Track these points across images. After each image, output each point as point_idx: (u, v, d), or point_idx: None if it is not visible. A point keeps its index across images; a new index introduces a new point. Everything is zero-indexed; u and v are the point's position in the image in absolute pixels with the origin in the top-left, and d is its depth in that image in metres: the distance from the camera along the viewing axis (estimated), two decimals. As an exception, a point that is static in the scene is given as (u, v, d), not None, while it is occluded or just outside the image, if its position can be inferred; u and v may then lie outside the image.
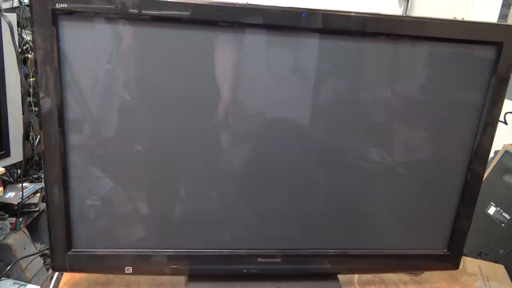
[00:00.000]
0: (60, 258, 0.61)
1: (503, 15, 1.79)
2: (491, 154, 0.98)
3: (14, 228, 1.48)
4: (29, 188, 1.59)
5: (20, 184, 1.50)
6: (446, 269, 0.74)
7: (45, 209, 0.59)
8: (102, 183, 0.59)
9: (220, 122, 0.59)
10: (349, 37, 0.57)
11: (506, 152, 1.14)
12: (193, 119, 0.58)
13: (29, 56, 1.62)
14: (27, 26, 1.65)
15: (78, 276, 0.69)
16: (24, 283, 1.41)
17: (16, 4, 1.60)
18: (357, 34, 0.57)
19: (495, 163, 1.15)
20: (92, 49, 0.53)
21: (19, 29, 1.58)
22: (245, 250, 0.65)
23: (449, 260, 0.71)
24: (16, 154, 1.49)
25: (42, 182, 1.63)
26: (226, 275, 0.67)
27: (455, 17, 1.95)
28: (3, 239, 1.42)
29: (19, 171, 1.63)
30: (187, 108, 0.58)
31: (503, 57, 0.59)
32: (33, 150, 1.69)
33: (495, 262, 0.95)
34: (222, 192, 0.63)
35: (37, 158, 1.73)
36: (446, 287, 0.77)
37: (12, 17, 1.42)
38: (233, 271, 0.66)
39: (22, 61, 1.54)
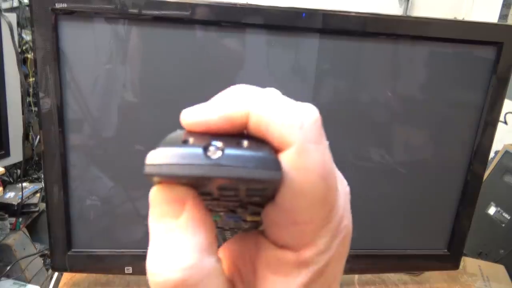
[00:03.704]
0: (60, 258, 0.61)
1: (503, 15, 1.79)
2: (492, 154, 0.98)
3: (14, 228, 1.48)
4: (29, 188, 1.59)
5: (20, 184, 1.50)
6: (446, 269, 0.74)
7: (45, 209, 0.59)
8: (102, 183, 0.59)
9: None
10: (349, 37, 0.57)
11: (507, 152, 1.14)
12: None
13: (29, 56, 1.63)
14: (27, 26, 1.65)
15: (78, 276, 0.69)
16: (24, 283, 1.41)
17: (16, 4, 1.60)
18: (357, 34, 0.57)
19: (495, 163, 1.15)
20: (92, 49, 0.53)
21: (19, 29, 1.58)
22: (245, 250, 0.65)
23: (449, 260, 0.71)
24: (16, 154, 1.49)
25: (42, 182, 1.63)
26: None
27: (455, 17, 1.95)
28: (3, 239, 1.42)
29: (18, 171, 1.63)
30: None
31: (503, 57, 0.59)
32: (32, 150, 1.69)
33: (495, 262, 0.95)
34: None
35: (36, 158, 1.73)
36: (446, 287, 0.77)
37: (12, 17, 1.42)
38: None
39: (22, 61, 1.54)
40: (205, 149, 0.16)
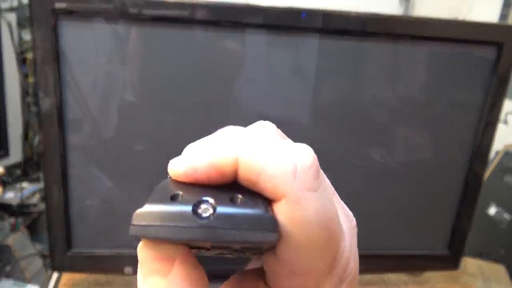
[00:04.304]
0: (59, 258, 0.61)
1: (503, 15, 1.79)
2: (492, 155, 0.98)
3: (14, 229, 1.48)
4: (29, 188, 1.59)
5: (19, 184, 1.50)
6: (447, 269, 0.74)
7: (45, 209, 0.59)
8: (102, 183, 0.59)
9: (220, 122, 0.59)
10: (349, 37, 0.57)
11: (507, 153, 1.14)
12: (193, 119, 0.58)
13: (28, 56, 1.62)
14: (26, 26, 1.65)
15: (78, 276, 0.69)
16: (24, 283, 1.40)
17: (16, 4, 1.60)
18: (357, 34, 0.57)
19: (496, 163, 1.15)
20: (92, 49, 0.53)
21: (19, 29, 1.57)
22: (245, 251, 0.65)
23: (449, 260, 0.71)
24: (15, 154, 1.49)
25: (42, 182, 1.63)
26: (227, 275, 0.67)
27: (456, 17, 1.94)
28: (3, 239, 1.42)
29: (18, 171, 1.63)
30: (187, 108, 0.57)
31: (503, 57, 0.59)
32: (32, 150, 1.69)
33: (496, 262, 0.94)
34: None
35: (36, 158, 1.73)
36: (446, 287, 0.77)
37: (12, 17, 1.42)
38: (234, 271, 0.66)
39: (22, 61, 1.54)
40: (195, 206, 0.15)
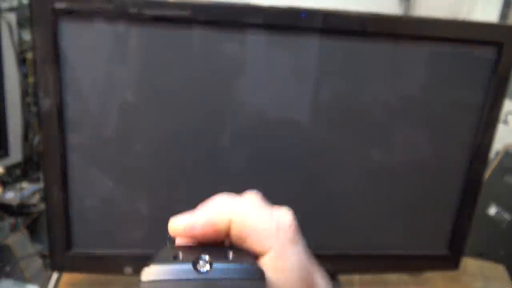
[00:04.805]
0: (59, 258, 0.61)
1: (503, 15, 1.79)
2: (492, 155, 0.98)
3: (14, 229, 1.48)
4: (29, 189, 1.59)
5: (19, 184, 1.50)
6: (447, 269, 0.74)
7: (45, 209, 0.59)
8: (102, 183, 0.59)
9: (220, 123, 0.59)
10: (349, 37, 0.57)
11: (507, 153, 1.14)
12: (193, 119, 0.58)
13: (28, 56, 1.62)
14: (26, 26, 1.64)
15: (78, 276, 0.69)
16: (24, 283, 1.40)
17: (16, 4, 1.60)
18: (357, 34, 0.57)
19: (496, 163, 1.15)
20: (92, 49, 0.53)
21: (19, 29, 1.57)
22: (245, 251, 0.64)
23: (449, 260, 0.71)
24: (15, 154, 1.49)
25: (42, 182, 1.63)
26: None
27: (456, 17, 1.94)
28: (3, 239, 1.42)
29: (18, 171, 1.63)
30: (187, 109, 0.57)
31: (503, 57, 0.59)
32: (32, 150, 1.69)
33: (496, 262, 0.94)
34: (222, 191, 0.62)
35: (36, 158, 1.73)
36: (446, 287, 0.77)
37: (12, 17, 1.42)
38: None
39: (22, 61, 1.54)
40: (195, 263, 0.18)
